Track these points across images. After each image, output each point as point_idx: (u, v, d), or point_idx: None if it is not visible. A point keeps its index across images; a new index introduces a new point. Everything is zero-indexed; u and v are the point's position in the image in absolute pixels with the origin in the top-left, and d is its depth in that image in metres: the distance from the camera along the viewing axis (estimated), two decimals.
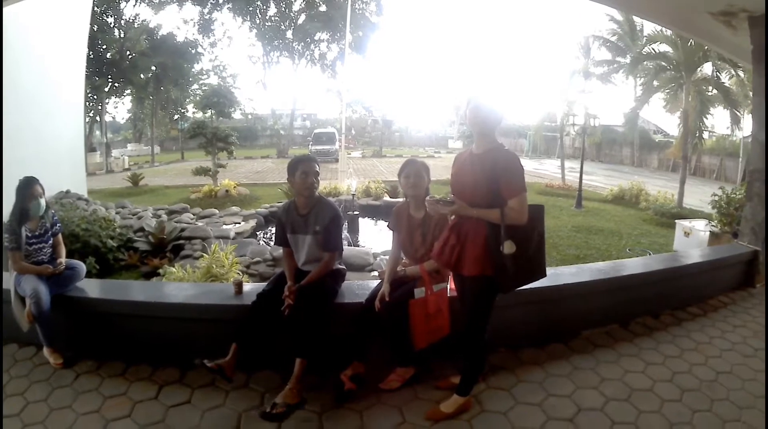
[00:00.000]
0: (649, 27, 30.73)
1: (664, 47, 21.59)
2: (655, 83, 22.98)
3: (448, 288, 4.37)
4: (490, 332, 3.98)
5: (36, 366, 4.95)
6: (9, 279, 5.12)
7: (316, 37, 46.54)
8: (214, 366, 4.15)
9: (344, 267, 5.02)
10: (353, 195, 14.89)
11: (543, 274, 3.91)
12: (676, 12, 8.16)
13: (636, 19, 31.95)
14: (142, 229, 11.02)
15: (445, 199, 3.81)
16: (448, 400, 4.08)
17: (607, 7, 23.26)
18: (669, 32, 19.67)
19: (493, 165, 3.61)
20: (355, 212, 13.18)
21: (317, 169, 4.57)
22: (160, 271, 8.10)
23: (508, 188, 3.56)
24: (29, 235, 5.13)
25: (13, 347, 5.33)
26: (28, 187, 5.12)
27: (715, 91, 20.60)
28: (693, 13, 7.71)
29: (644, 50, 24.86)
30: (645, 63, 23.96)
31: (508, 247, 3.54)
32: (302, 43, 47.49)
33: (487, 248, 3.64)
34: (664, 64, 21.60)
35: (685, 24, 8.66)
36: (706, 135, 20.94)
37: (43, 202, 5.15)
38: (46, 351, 4.96)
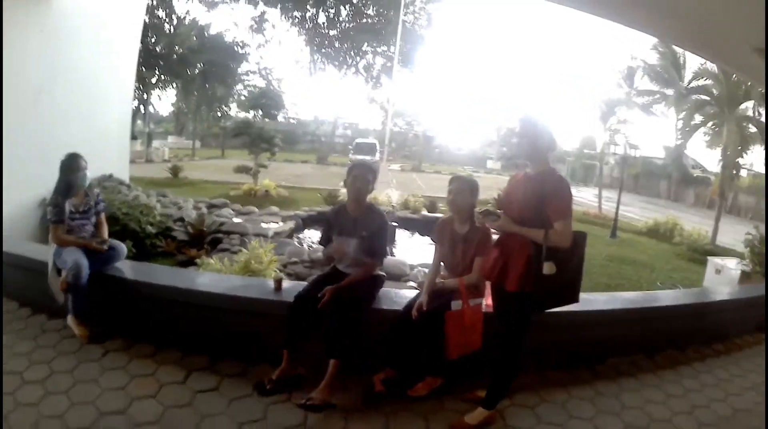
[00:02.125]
0: (691, 60, 30.57)
1: (707, 81, 21.44)
2: (697, 117, 22.80)
3: (484, 304, 4.42)
4: (522, 350, 4.03)
5: (63, 338, 5.08)
6: (48, 251, 5.24)
7: (363, 48, 46.50)
8: (272, 385, 4.33)
9: (384, 274, 5.09)
10: (393, 206, 14.91)
11: (576, 300, 4.00)
12: (721, 46, 8.16)
13: (679, 50, 31.63)
14: (181, 219, 11.08)
15: (493, 212, 3.89)
16: (473, 412, 4.12)
17: (654, 37, 23.12)
18: (713, 67, 19.54)
19: (542, 187, 3.70)
20: (394, 224, 13.19)
21: (368, 177, 4.65)
22: (198, 261, 8.16)
23: (554, 211, 3.64)
24: (73, 210, 5.24)
25: (42, 318, 5.47)
26: (73, 160, 5.27)
27: (755, 128, 20.32)
28: (737, 47, 7.71)
29: (689, 84, 24.71)
30: (689, 97, 23.78)
31: (548, 268, 3.63)
32: (349, 52, 47.53)
33: (529, 266, 3.70)
34: (707, 98, 21.44)
35: (729, 58, 8.66)
36: (743, 172, 20.67)
37: (87, 174, 5.29)
38: (70, 320, 5.08)
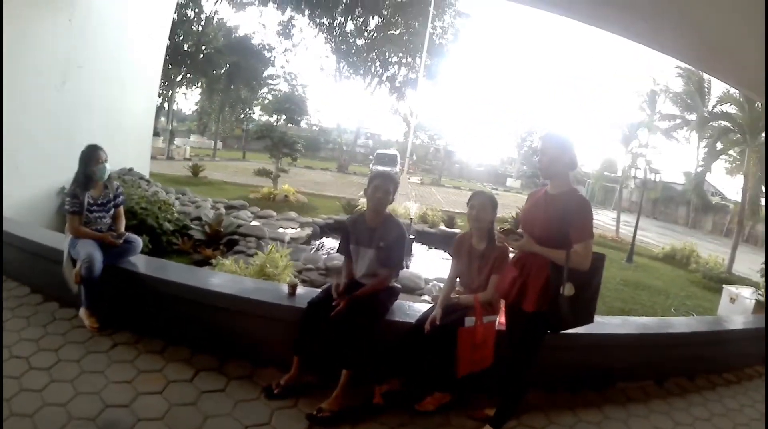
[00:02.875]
0: (716, 87, 30.45)
1: (730, 109, 21.35)
2: (719, 145, 22.70)
3: (497, 321, 4.40)
4: (532, 370, 4.01)
5: (74, 327, 5.08)
6: (64, 241, 5.24)
7: (389, 59, 46.63)
8: (279, 390, 4.32)
9: (399, 286, 5.08)
10: (411, 219, 14.88)
11: (591, 321, 3.93)
12: (744, 72, 8.10)
13: (705, 76, 31.53)
14: (199, 219, 11.08)
15: (515, 232, 3.86)
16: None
17: (678, 60, 23.08)
18: (737, 93, 19.45)
19: (565, 207, 3.69)
20: (411, 236, 13.15)
21: (389, 188, 4.62)
22: (213, 261, 8.16)
23: (576, 232, 3.62)
24: (91, 202, 5.24)
25: (54, 305, 5.47)
26: (93, 152, 5.27)
27: None
28: (758, 72, 7.65)
29: (713, 110, 24.63)
30: (711, 123, 23.69)
31: (568, 290, 3.60)
32: (375, 62, 47.65)
33: (547, 286, 3.68)
34: (729, 125, 21.34)
35: (752, 85, 8.59)
36: (762, 201, 20.55)
37: (107, 167, 5.28)
38: (83, 312, 5.07)
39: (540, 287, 3.73)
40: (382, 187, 4.58)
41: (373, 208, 4.67)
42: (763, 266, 10.92)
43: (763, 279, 11.00)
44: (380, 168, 39.58)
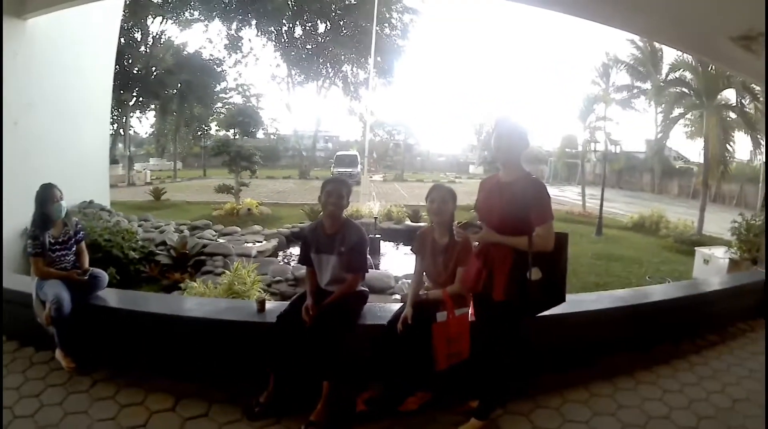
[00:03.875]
0: (669, 53, 30.75)
1: (685, 74, 21.58)
2: (677, 110, 22.92)
3: (470, 313, 4.40)
4: (514, 357, 4.09)
5: (52, 370, 5.04)
6: (31, 283, 5.22)
7: (341, 60, 46.62)
8: (260, 409, 4.32)
9: (367, 289, 5.06)
10: (375, 218, 14.90)
11: (563, 300, 4.00)
12: (697, 37, 8.20)
13: (657, 44, 31.80)
14: (164, 243, 11.06)
15: (474, 224, 3.90)
16: (467, 423, 4.12)
17: (628, 33, 23.26)
18: (690, 59, 19.65)
19: (522, 194, 3.72)
20: (377, 235, 13.17)
21: (341, 192, 4.60)
22: (182, 285, 8.16)
23: (536, 217, 3.67)
24: (52, 241, 5.23)
25: (30, 350, 5.44)
26: (47, 191, 5.24)
27: (736, 116, 20.56)
28: (713, 38, 7.75)
29: (667, 77, 24.86)
30: (667, 89, 23.90)
31: (535, 274, 3.67)
32: (326, 65, 47.63)
33: (513, 273, 3.73)
34: (685, 90, 21.56)
35: (706, 49, 8.71)
36: (728, 159, 20.78)
37: (63, 205, 5.26)
38: (58, 353, 5.06)
39: (506, 275, 3.77)
40: (335, 193, 4.57)
41: (329, 215, 4.64)
42: (734, 224, 11.04)
43: (734, 237, 11.13)
44: (341, 170, 39.70)
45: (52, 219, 5.26)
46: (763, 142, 21.32)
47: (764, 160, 20.38)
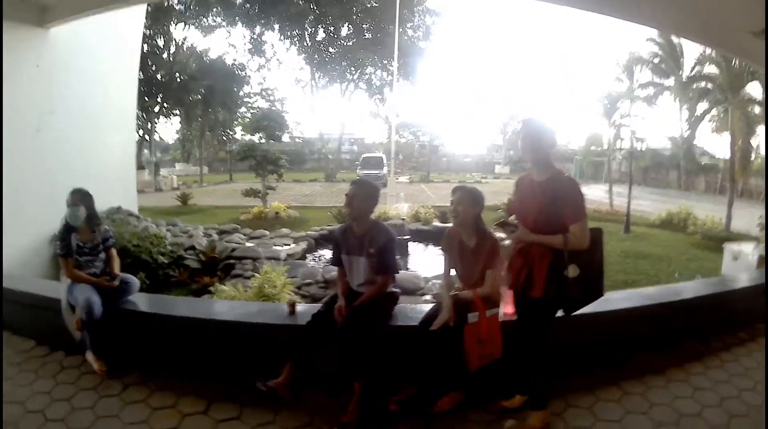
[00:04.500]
0: (689, 49, 30.51)
1: (710, 69, 21.41)
2: (701, 106, 22.77)
3: (501, 312, 4.40)
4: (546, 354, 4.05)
5: (83, 374, 5.05)
6: (61, 289, 5.24)
7: (364, 63, 46.60)
8: (264, 388, 4.29)
9: (398, 290, 5.05)
10: (403, 220, 14.86)
11: (601, 294, 4.02)
12: (719, 32, 8.14)
13: (676, 39, 31.56)
14: (192, 248, 11.09)
15: (510, 224, 3.92)
16: (530, 418, 4.10)
17: (651, 28, 23.11)
18: (714, 53, 19.50)
19: (555, 193, 3.72)
20: (406, 237, 13.13)
21: (365, 193, 4.63)
22: (211, 289, 8.13)
23: (569, 214, 3.66)
24: (81, 244, 5.25)
25: (60, 355, 5.45)
26: (69, 196, 5.26)
27: (761, 110, 20.11)
28: (735, 32, 7.69)
29: (692, 72, 24.67)
30: (692, 85, 23.73)
31: (572, 271, 3.69)
32: (350, 68, 47.64)
33: (552, 271, 3.73)
34: (709, 86, 21.39)
35: (729, 43, 8.63)
36: (753, 155, 20.53)
37: (78, 211, 5.23)
38: (89, 356, 5.06)
39: (544, 273, 3.76)
40: (359, 195, 4.58)
41: (354, 218, 4.67)
42: (762, 220, 10.92)
43: (763, 233, 11.01)
44: (367, 172, 39.58)
45: (68, 223, 5.27)
46: None
47: (764, 157, 20.09)
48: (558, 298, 3.83)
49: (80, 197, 5.29)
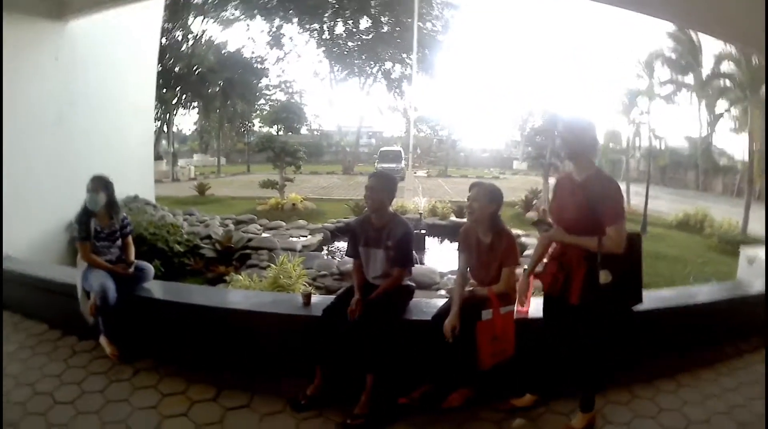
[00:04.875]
0: (708, 46, 30.32)
1: (728, 66, 21.26)
2: (720, 103, 22.59)
3: (515, 311, 4.40)
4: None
5: (95, 358, 5.11)
6: (76, 275, 5.27)
7: (383, 56, 46.59)
8: (305, 401, 4.32)
9: (413, 284, 5.04)
10: (420, 214, 14.85)
11: (639, 300, 3.94)
12: (739, 28, 8.05)
13: (694, 36, 31.35)
14: (209, 237, 11.14)
15: (545, 222, 3.94)
16: (576, 418, 4.12)
17: (669, 22, 22.97)
18: (734, 50, 19.33)
19: (593, 192, 3.67)
20: (423, 231, 13.15)
21: (383, 186, 4.63)
22: (227, 278, 8.19)
23: (607, 216, 3.60)
24: (98, 229, 5.29)
25: (73, 339, 5.52)
26: (89, 182, 5.30)
27: None
28: (755, 28, 7.62)
29: (712, 70, 24.51)
30: (711, 83, 23.56)
31: (603, 277, 3.59)
32: (369, 62, 47.64)
33: (588, 278, 3.67)
34: (729, 84, 21.23)
35: (748, 40, 8.54)
36: None
37: (97, 197, 5.28)
38: (103, 340, 5.11)
39: (582, 280, 3.71)
40: (377, 187, 4.58)
41: (373, 210, 4.68)
42: None
43: None
44: (385, 166, 39.64)
45: (87, 207, 5.31)
46: None
47: (764, 157, 19.86)
48: (596, 304, 3.72)
49: (101, 184, 5.34)
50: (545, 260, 4.17)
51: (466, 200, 4.43)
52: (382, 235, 4.63)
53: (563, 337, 4.10)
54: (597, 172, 3.79)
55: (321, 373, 4.42)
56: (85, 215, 5.26)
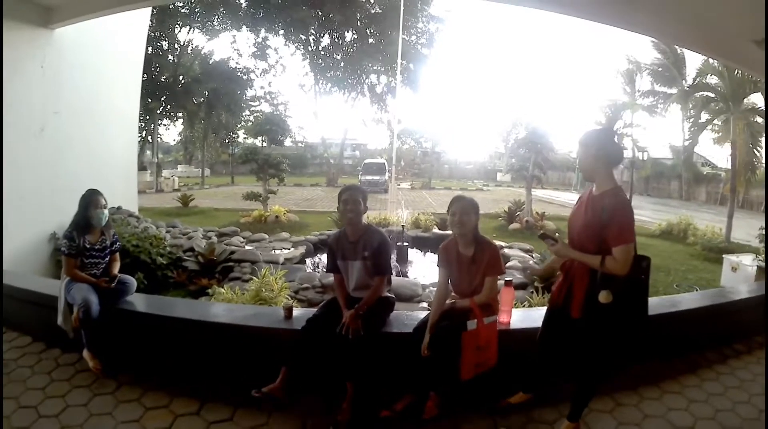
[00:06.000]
0: (692, 57, 30.61)
1: (711, 79, 21.44)
2: (704, 115, 22.77)
3: (497, 321, 4.45)
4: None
5: (78, 372, 5.10)
6: (59, 287, 5.26)
7: (367, 69, 46.64)
8: (259, 394, 4.30)
9: (393, 296, 5.07)
10: (403, 226, 14.86)
11: (644, 331, 3.81)
12: (721, 42, 8.15)
13: (679, 49, 31.62)
14: (191, 249, 11.09)
15: (550, 236, 3.91)
16: (562, 426, 4.18)
17: (652, 38, 23.15)
18: (716, 63, 19.49)
19: (602, 209, 3.62)
20: (405, 243, 13.14)
21: (357, 198, 4.70)
22: (209, 291, 8.16)
23: (612, 235, 3.55)
24: (88, 246, 5.29)
25: (56, 352, 5.51)
26: (93, 197, 5.34)
27: (763, 120, 19.99)
28: (737, 42, 7.71)
29: (695, 81, 24.70)
30: (694, 94, 23.78)
31: (604, 297, 3.57)
32: (354, 74, 47.68)
33: (590, 292, 3.66)
34: (711, 95, 21.41)
35: (730, 53, 8.64)
36: (756, 165, 20.49)
37: (106, 213, 5.37)
38: (86, 354, 5.11)
39: (583, 293, 3.71)
40: (351, 200, 4.67)
41: (348, 223, 4.75)
42: (762, 232, 10.90)
43: (763, 244, 10.99)
44: (369, 178, 39.86)
45: (91, 224, 5.34)
46: None
47: (764, 164, 19.98)
48: (596, 321, 3.70)
49: (105, 199, 5.42)
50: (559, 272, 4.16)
51: (450, 215, 4.43)
52: (358, 247, 4.70)
53: (561, 348, 4.15)
54: (613, 189, 3.71)
55: (285, 376, 4.45)
56: (78, 231, 5.27)
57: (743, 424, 4.45)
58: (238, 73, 45.16)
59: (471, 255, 4.39)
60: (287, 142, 34.41)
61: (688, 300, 6.67)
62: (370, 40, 44.57)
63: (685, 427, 4.39)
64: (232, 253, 11.05)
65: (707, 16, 7.43)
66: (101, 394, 4.69)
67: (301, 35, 43.65)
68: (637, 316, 3.74)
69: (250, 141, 38.06)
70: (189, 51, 42.89)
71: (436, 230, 16.56)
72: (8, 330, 5.98)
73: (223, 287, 8.06)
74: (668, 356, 5.66)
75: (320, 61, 45.80)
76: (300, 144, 63.24)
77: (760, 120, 19.83)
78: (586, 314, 3.71)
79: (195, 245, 11.31)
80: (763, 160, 20.28)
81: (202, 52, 44.67)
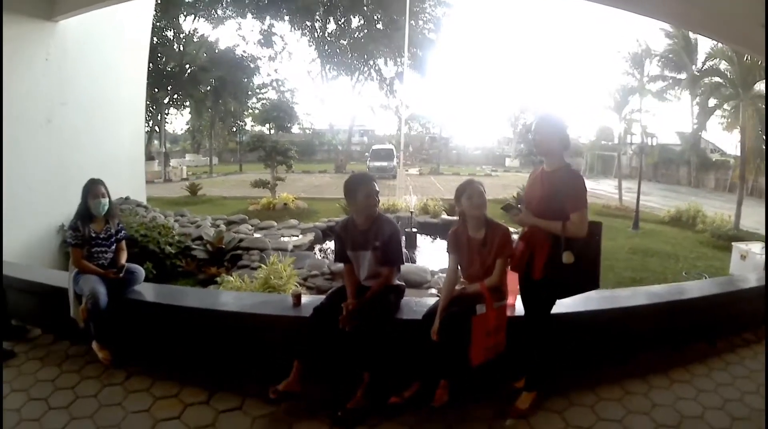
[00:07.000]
0: (704, 43, 30.38)
1: (721, 64, 21.29)
2: (712, 101, 22.62)
3: (507, 305, 4.45)
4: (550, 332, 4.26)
5: (87, 363, 5.09)
6: (68, 278, 5.26)
7: (375, 54, 46.50)
8: (275, 395, 4.30)
9: (403, 283, 5.04)
10: (412, 212, 14.83)
11: (596, 286, 4.18)
12: (731, 27, 8.07)
13: (691, 34, 31.36)
14: (200, 238, 11.11)
15: (514, 207, 4.13)
16: (520, 398, 4.28)
17: (661, 22, 22.98)
18: (726, 48, 19.34)
19: (559, 182, 4.00)
20: (414, 229, 13.17)
21: (378, 189, 4.61)
22: (218, 279, 8.17)
23: (570, 203, 3.88)
24: (93, 235, 5.28)
25: (66, 344, 5.51)
26: (92, 186, 5.31)
27: None
28: (748, 27, 7.63)
29: (703, 66, 24.54)
30: (703, 80, 23.61)
31: (566, 258, 3.89)
32: (361, 60, 47.53)
33: (551, 256, 3.93)
34: (720, 81, 21.27)
35: (741, 39, 8.56)
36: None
37: (105, 202, 5.31)
38: (95, 345, 5.09)
39: (544, 257, 3.99)
40: (374, 193, 4.56)
41: (363, 214, 4.62)
42: None
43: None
44: (377, 164, 39.70)
45: (91, 213, 5.32)
46: None
47: (765, 156, 19.84)
48: (554, 281, 4.03)
49: (106, 188, 5.39)
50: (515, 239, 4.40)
51: (466, 199, 4.38)
52: (369, 237, 4.60)
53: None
54: (565, 166, 4.11)
55: (298, 370, 4.42)
56: (82, 220, 5.27)
57: (751, 414, 4.41)
58: (245, 61, 45.07)
59: (482, 238, 4.37)
60: (295, 129, 34.48)
61: (697, 288, 6.65)
62: (378, 26, 44.46)
63: (693, 416, 4.37)
64: (241, 241, 11.07)
65: (717, 0, 7.37)
66: (111, 384, 4.68)
67: (307, 21, 43.55)
68: (591, 271, 4.13)
69: (257, 128, 38.16)
70: (195, 39, 42.76)
71: (444, 216, 16.59)
72: (18, 322, 5.93)
73: (231, 275, 8.03)
74: (678, 345, 5.62)
75: (327, 47, 45.74)
76: (308, 131, 63.12)
77: None
78: (546, 274, 4.00)
79: (203, 234, 11.34)
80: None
81: (208, 40, 44.57)
